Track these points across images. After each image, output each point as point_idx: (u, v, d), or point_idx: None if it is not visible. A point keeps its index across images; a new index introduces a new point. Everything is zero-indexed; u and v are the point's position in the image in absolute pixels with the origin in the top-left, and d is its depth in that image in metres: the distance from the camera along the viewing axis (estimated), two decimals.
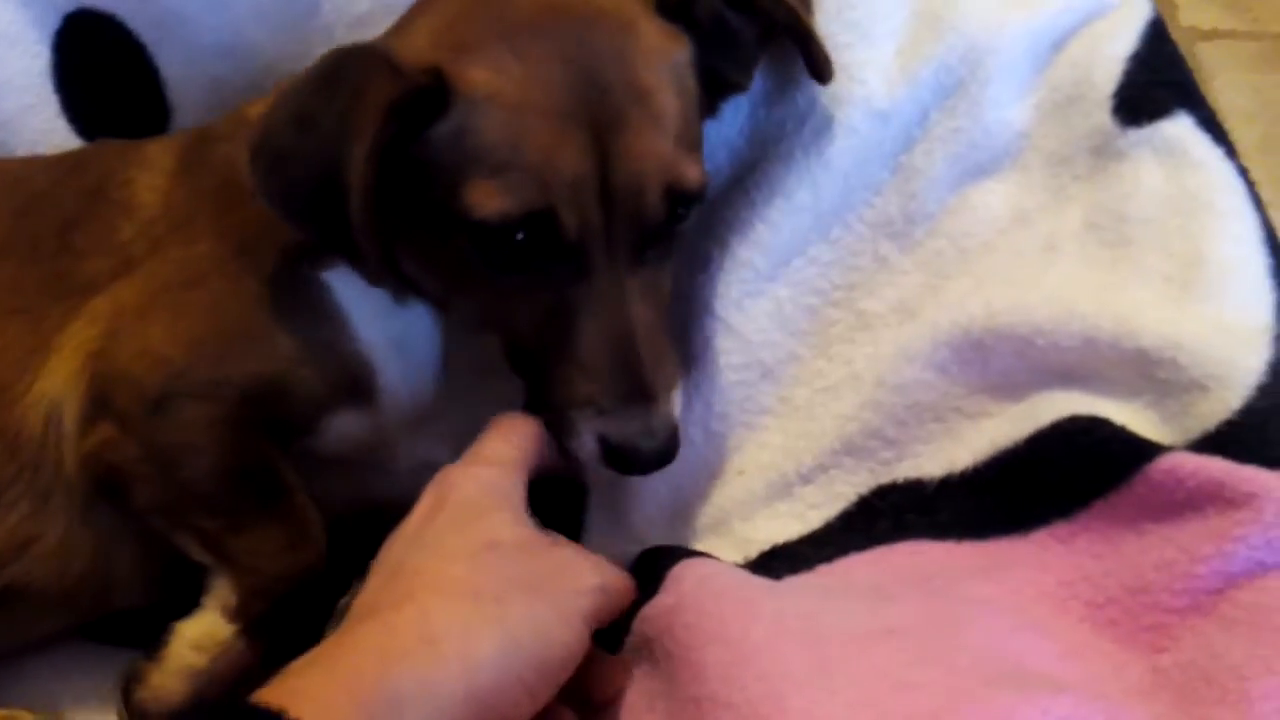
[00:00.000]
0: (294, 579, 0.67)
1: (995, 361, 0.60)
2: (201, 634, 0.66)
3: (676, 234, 0.65)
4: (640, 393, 0.60)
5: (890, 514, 0.62)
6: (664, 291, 0.66)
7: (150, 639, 0.70)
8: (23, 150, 0.84)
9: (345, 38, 0.83)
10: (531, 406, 0.65)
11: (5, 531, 0.66)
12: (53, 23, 0.82)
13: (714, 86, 0.67)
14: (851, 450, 0.65)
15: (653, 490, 0.74)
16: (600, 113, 0.58)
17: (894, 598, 0.52)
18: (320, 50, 0.81)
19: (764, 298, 0.70)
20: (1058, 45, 0.66)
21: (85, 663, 0.73)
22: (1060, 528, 0.54)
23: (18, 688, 0.72)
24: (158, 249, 0.69)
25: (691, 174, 0.61)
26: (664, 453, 0.62)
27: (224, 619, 0.66)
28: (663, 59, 0.61)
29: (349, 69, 0.59)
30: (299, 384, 0.66)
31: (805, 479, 0.67)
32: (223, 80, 0.83)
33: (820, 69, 0.66)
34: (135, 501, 0.66)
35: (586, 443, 0.61)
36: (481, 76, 0.58)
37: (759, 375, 0.71)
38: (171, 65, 0.82)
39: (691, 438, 0.72)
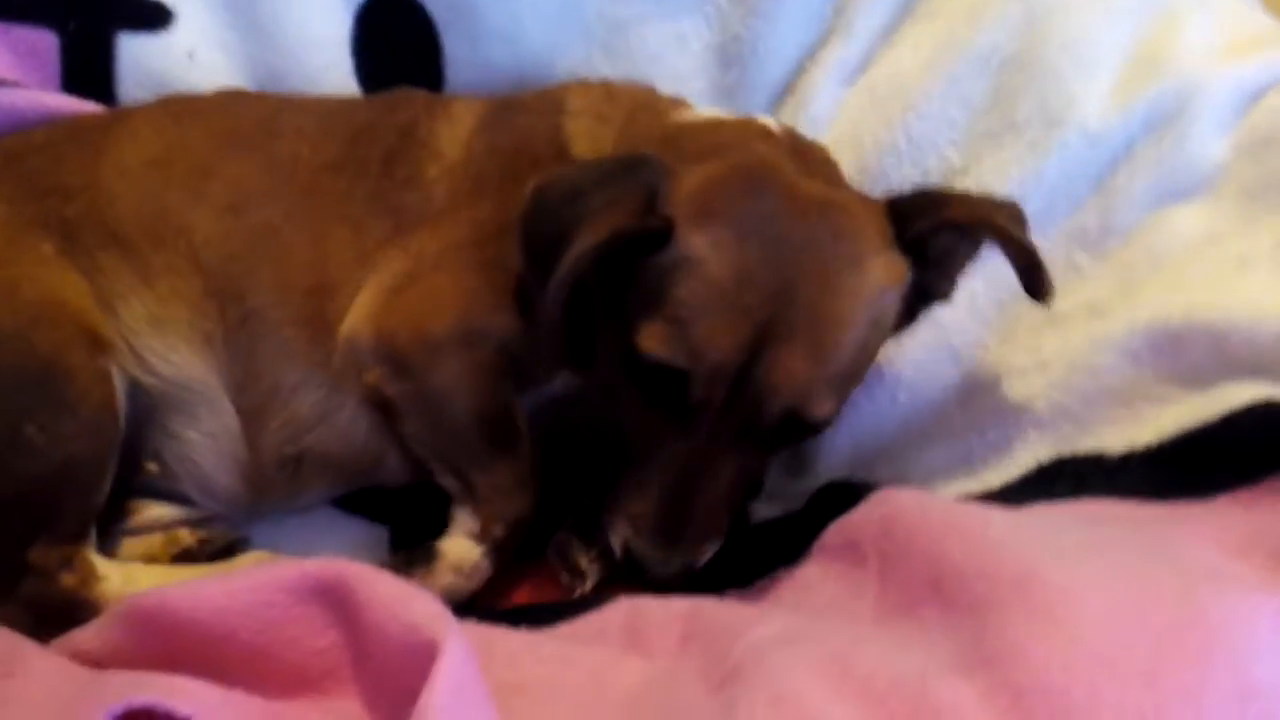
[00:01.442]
0: (523, 510, 0.77)
1: (1188, 354, 0.67)
2: (459, 557, 0.76)
3: (787, 445, 0.72)
4: (671, 537, 0.70)
5: (1070, 478, 0.69)
6: (749, 474, 0.73)
7: (396, 521, 0.85)
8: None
9: (601, 37, 0.97)
10: (598, 480, 0.75)
11: (312, 403, 0.78)
12: None
13: (917, 297, 0.73)
14: (1037, 425, 0.73)
15: (836, 448, 0.83)
16: (776, 321, 0.65)
17: (1100, 524, 0.59)
18: (578, 45, 0.98)
19: (960, 288, 0.78)
20: (1258, 94, 0.75)
21: (336, 529, 0.85)
22: (1243, 493, 0.59)
23: (277, 538, 0.84)
24: (455, 199, 0.80)
25: (819, 410, 0.68)
26: (671, 580, 0.71)
27: (472, 542, 0.76)
28: (874, 290, 0.68)
29: (625, 180, 0.68)
30: (545, 339, 0.75)
31: (988, 447, 0.75)
32: (495, 63, 0.96)
33: (1045, 292, 0.69)
34: (403, 430, 0.77)
35: (615, 542, 0.72)
36: (699, 244, 0.66)
37: (947, 356, 0.80)
38: (456, 45, 0.96)
39: (879, 405, 0.81)
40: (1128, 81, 0.77)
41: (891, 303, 0.70)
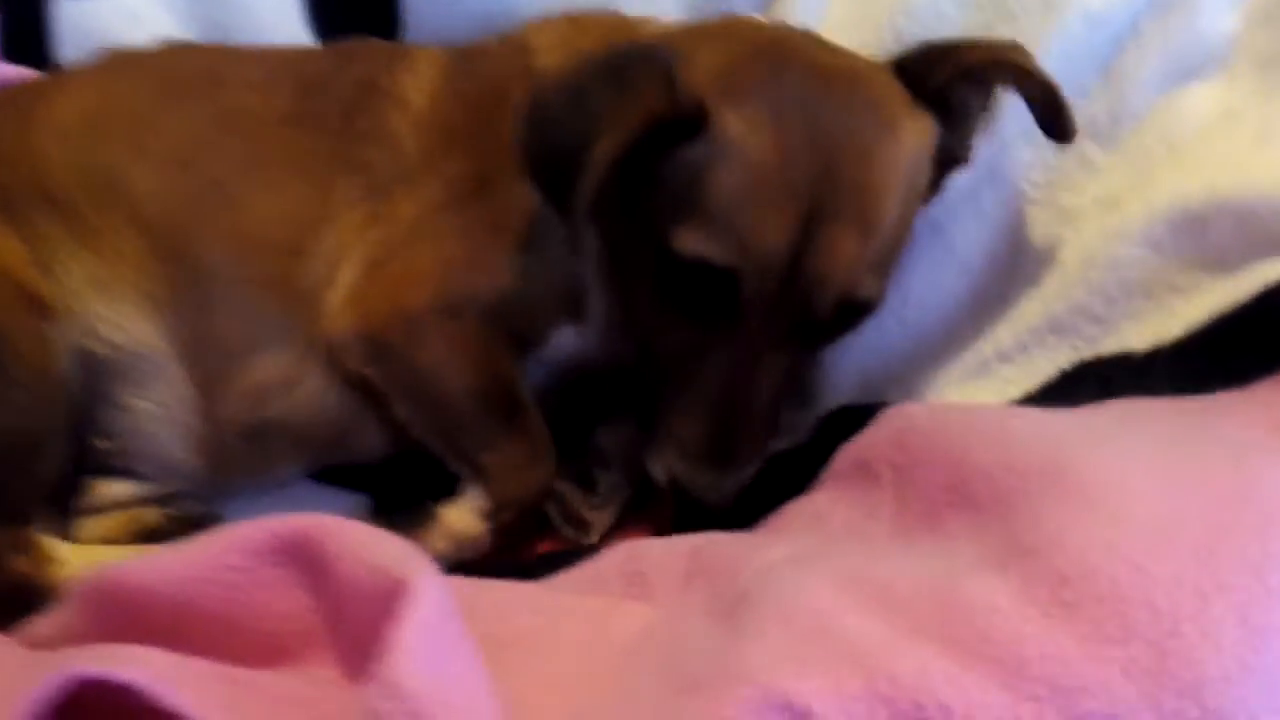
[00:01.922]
0: (538, 491, 0.72)
1: (1214, 235, 0.62)
2: (459, 527, 0.71)
3: (832, 338, 0.67)
4: (722, 457, 0.65)
5: (1095, 382, 0.63)
6: (795, 378, 0.69)
7: (378, 490, 0.79)
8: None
9: None
10: (637, 412, 0.70)
11: (275, 371, 0.73)
12: None
13: (939, 162, 0.69)
14: (1055, 328, 0.67)
15: (842, 374, 0.77)
16: (821, 202, 0.61)
17: (1131, 414, 0.53)
18: None
19: (965, 193, 0.73)
20: None
21: (314, 502, 0.79)
22: None
23: (247, 513, 0.76)
24: (427, 155, 0.74)
25: (869, 290, 0.63)
26: (721, 503, 0.67)
27: (477, 518, 0.71)
28: (910, 156, 0.64)
29: (635, 67, 0.63)
30: (535, 298, 0.72)
31: (1004, 358, 0.70)
32: (457, 2, 0.91)
33: (1068, 130, 0.65)
34: (397, 415, 0.72)
35: (660, 469, 0.67)
36: (736, 126, 0.61)
37: (954, 266, 0.75)
38: None
39: (884, 325, 0.75)
40: None
41: (924, 166, 0.66)
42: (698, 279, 0.62)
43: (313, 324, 0.72)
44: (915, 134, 0.64)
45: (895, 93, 0.65)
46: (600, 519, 0.74)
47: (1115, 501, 0.40)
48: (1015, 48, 0.66)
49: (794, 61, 0.65)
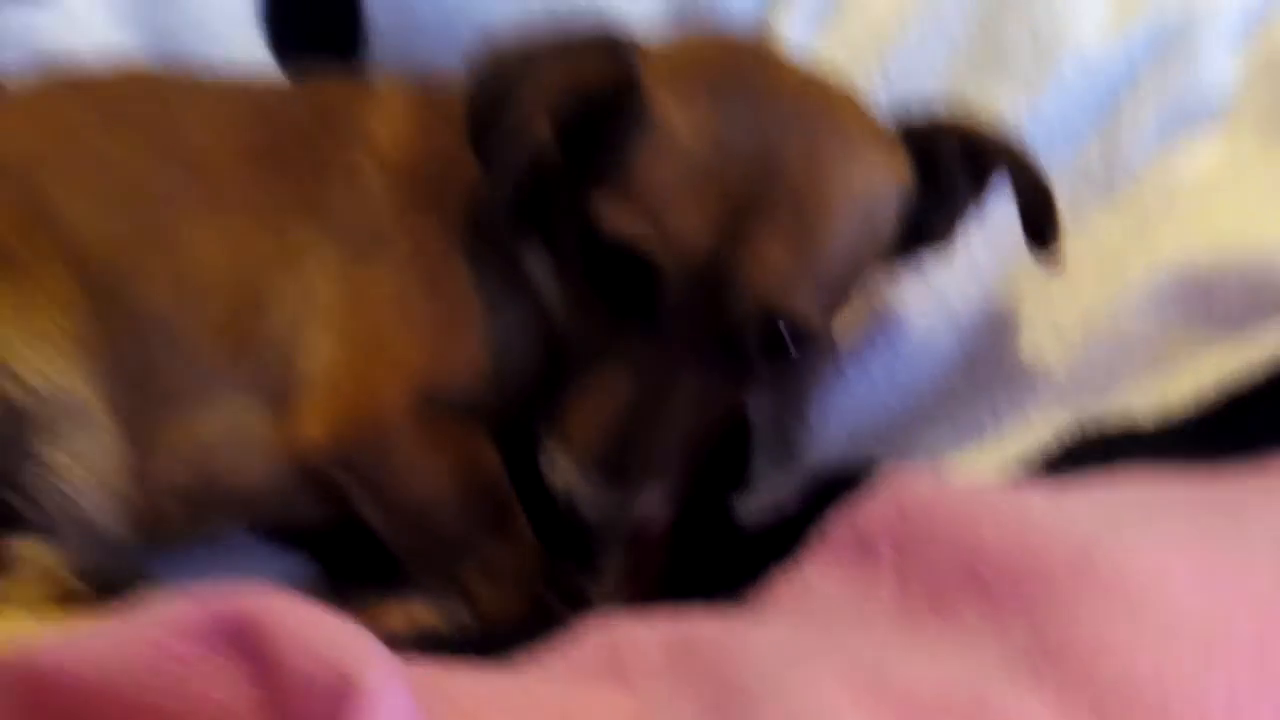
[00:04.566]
0: (522, 604, 0.65)
1: (1220, 298, 0.60)
2: (420, 619, 0.65)
3: (777, 365, 0.62)
4: (620, 475, 0.60)
5: (1098, 447, 0.60)
6: (722, 403, 0.64)
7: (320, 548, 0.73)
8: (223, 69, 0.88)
9: None
10: (545, 409, 0.64)
11: (218, 426, 0.66)
12: None
13: (913, 231, 0.65)
14: (1053, 391, 0.64)
15: (829, 432, 0.73)
16: (754, 200, 0.57)
17: (1148, 487, 0.50)
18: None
19: (957, 248, 0.70)
20: (1266, 9, 0.69)
21: (253, 559, 0.73)
22: None
23: (186, 571, 0.71)
24: (394, 206, 0.69)
25: (799, 306, 0.59)
26: (610, 530, 0.62)
27: (434, 616, 0.65)
28: (867, 181, 0.60)
29: (587, 42, 0.61)
30: (516, 364, 0.66)
31: (1000, 421, 0.66)
32: (421, 16, 0.85)
33: (1054, 235, 0.63)
34: (363, 516, 0.66)
35: (554, 481, 0.62)
36: (670, 105, 0.58)
37: (947, 324, 0.72)
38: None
39: (874, 381, 0.72)
40: (1124, 2, 0.70)
41: (888, 206, 0.61)
42: (617, 263, 0.59)
43: (264, 378, 0.66)
44: (879, 164, 0.61)
45: (864, 119, 0.63)
46: (600, 592, 0.68)
47: (1154, 599, 0.36)
48: (1014, 140, 0.64)
49: (758, 64, 0.62)
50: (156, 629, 0.51)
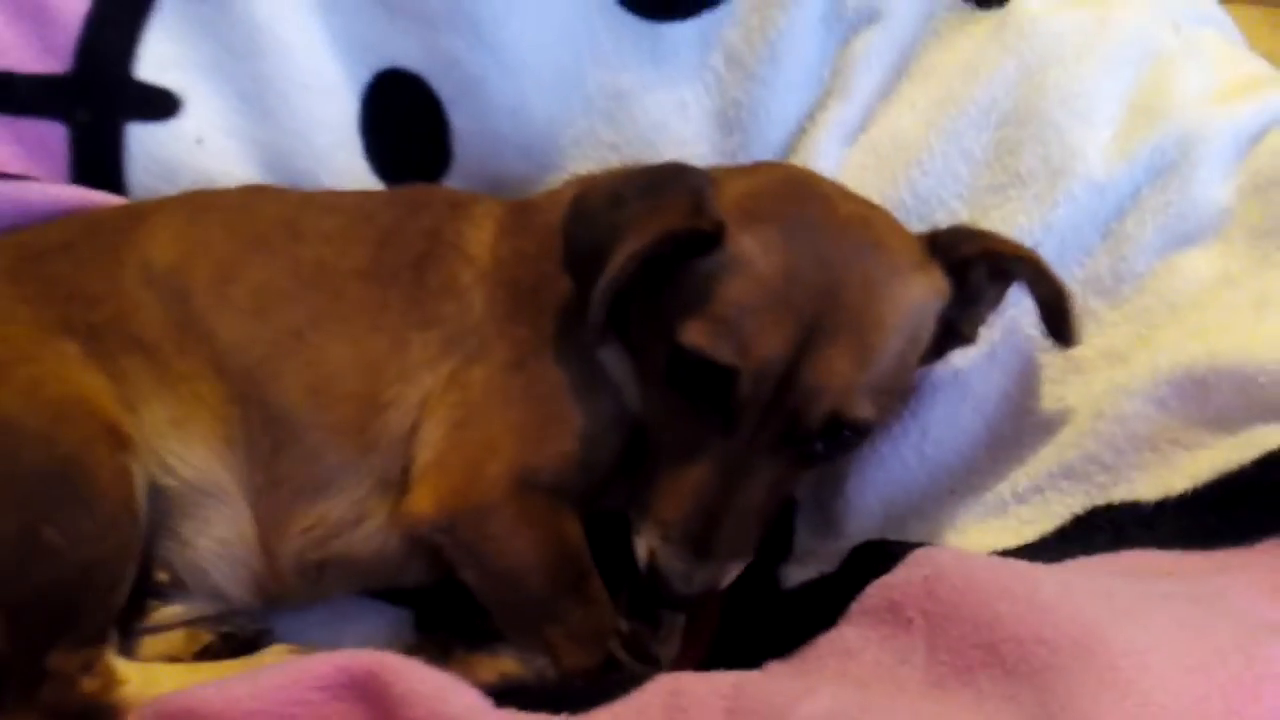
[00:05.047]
0: (598, 659, 0.73)
1: (1216, 398, 0.67)
2: (509, 670, 0.74)
3: (825, 455, 0.71)
4: (703, 547, 0.69)
5: (1109, 529, 0.68)
6: (787, 485, 0.73)
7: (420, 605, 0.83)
8: (329, 182, 0.99)
9: (604, 108, 0.98)
10: (633, 486, 0.74)
11: (340, 511, 0.76)
12: (364, 77, 0.98)
13: (944, 332, 0.74)
14: (1069, 474, 0.72)
15: (866, 505, 0.82)
16: (821, 322, 0.66)
17: (1147, 579, 0.58)
18: (581, 116, 1.00)
19: (979, 338, 0.79)
20: (1258, 136, 0.77)
21: (359, 614, 0.83)
22: None
23: (301, 628, 0.82)
24: (492, 309, 0.78)
25: (861, 413, 0.68)
26: (691, 598, 0.70)
27: (522, 669, 0.74)
28: (914, 300, 0.69)
29: (670, 183, 0.70)
30: (600, 455, 0.76)
31: (1020, 499, 0.75)
32: (503, 137, 0.98)
33: (1072, 335, 0.72)
34: (462, 578, 0.75)
35: (641, 549, 0.71)
36: (749, 246, 0.68)
37: (971, 406, 0.80)
38: (463, 120, 0.97)
39: (905, 459, 0.81)
40: (1128, 130, 0.79)
41: (930, 318, 0.71)
42: (700, 374, 0.67)
43: (385, 469, 0.76)
44: (923, 284, 0.70)
45: (908, 243, 0.72)
46: (667, 652, 0.77)
47: (1143, 684, 0.44)
48: (1035, 252, 0.73)
49: (814, 199, 0.71)
50: (292, 679, 0.61)
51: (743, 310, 0.66)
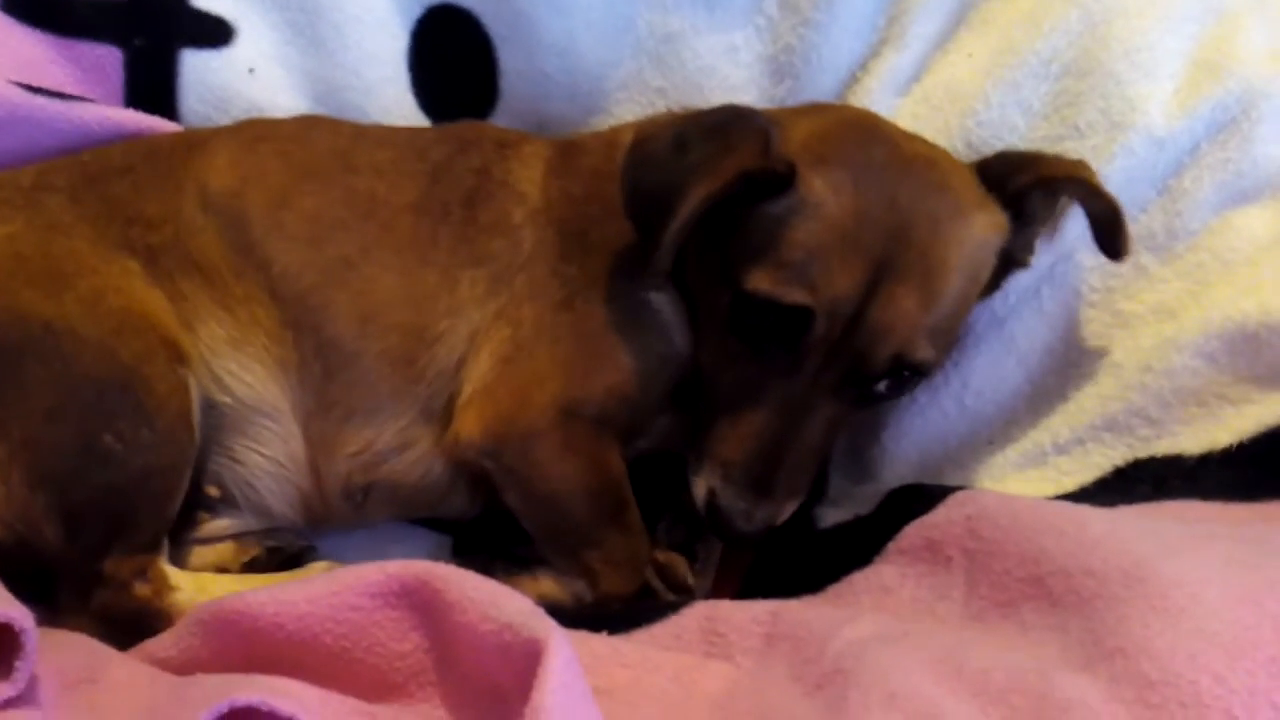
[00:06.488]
0: (634, 585, 0.76)
1: (1265, 353, 0.67)
2: (548, 592, 0.76)
3: (883, 395, 0.72)
4: (761, 486, 0.71)
5: (1150, 481, 0.69)
6: (842, 426, 0.74)
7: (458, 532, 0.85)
8: (377, 116, 0.99)
9: (653, 50, 0.98)
10: (689, 433, 0.75)
11: (387, 436, 0.78)
12: (416, 12, 0.98)
13: (1001, 261, 0.74)
14: (1112, 427, 0.73)
15: (902, 453, 0.82)
16: (890, 261, 0.67)
17: (1192, 523, 0.58)
18: (630, 58, 0.99)
19: (1026, 290, 0.79)
20: None
21: (401, 539, 0.85)
22: None
23: (342, 548, 0.84)
24: (543, 248, 0.79)
25: (922, 354, 0.69)
26: (752, 535, 0.72)
27: (568, 594, 0.76)
28: (976, 240, 0.70)
29: (737, 125, 0.70)
30: (645, 392, 0.77)
31: (1060, 450, 0.75)
32: (550, 77, 0.97)
33: (1124, 248, 0.71)
34: (506, 501, 0.77)
35: (700, 489, 0.73)
36: (820, 188, 0.68)
37: (1014, 360, 0.80)
38: (512, 59, 0.97)
39: (945, 409, 0.81)
40: (1190, 85, 0.78)
41: (991, 255, 0.71)
42: (768, 317, 0.68)
43: (431, 399, 0.77)
44: (984, 223, 0.70)
45: (969, 183, 0.72)
46: (702, 584, 0.79)
47: (1196, 612, 0.44)
48: (1086, 166, 0.73)
49: (879, 141, 0.72)
50: (344, 585, 0.63)
51: (812, 253, 0.67)
